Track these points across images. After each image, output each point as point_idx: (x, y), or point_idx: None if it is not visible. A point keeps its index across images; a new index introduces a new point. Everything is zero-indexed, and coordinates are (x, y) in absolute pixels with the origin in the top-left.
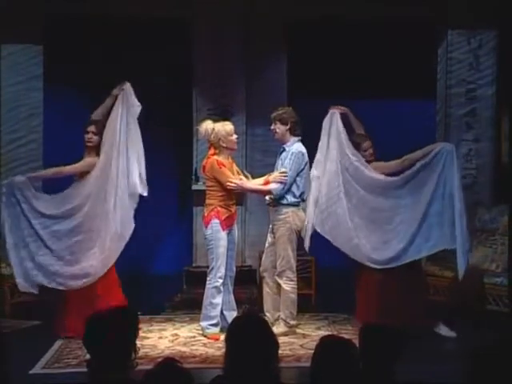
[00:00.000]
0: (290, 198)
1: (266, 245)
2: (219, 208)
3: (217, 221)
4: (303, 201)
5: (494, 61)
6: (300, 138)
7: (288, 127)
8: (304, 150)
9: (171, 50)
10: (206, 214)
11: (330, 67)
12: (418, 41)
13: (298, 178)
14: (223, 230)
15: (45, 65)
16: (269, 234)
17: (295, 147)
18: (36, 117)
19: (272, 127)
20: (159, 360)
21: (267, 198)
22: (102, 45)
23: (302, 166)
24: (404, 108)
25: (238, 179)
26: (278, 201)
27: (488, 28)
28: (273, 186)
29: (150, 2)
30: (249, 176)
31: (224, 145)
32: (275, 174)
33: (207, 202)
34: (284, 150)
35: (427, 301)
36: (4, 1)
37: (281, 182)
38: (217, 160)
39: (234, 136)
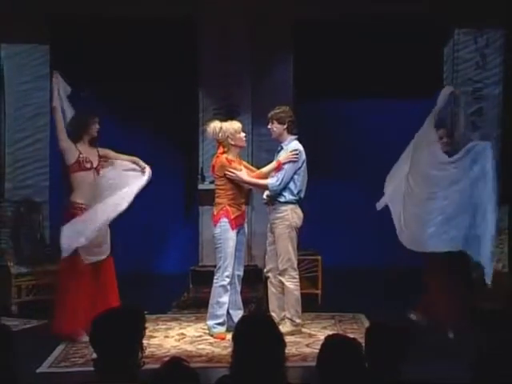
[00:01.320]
0: (288, 196)
1: (267, 244)
2: (228, 207)
3: (226, 220)
4: (301, 199)
5: (500, 60)
6: (297, 136)
7: (285, 126)
8: (301, 147)
9: (178, 50)
10: (215, 213)
11: (336, 67)
12: (424, 40)
13: (295, 176)
14: (232, 229)
15: (51, 64)
16: (268, 234)
17: (292, 145)
18: (43, 116)
19: (269, 126)
20: (166, 359)
21: (264, 196)
22: (108, 45)
23: (300, 164)
24: (410, 107)
25: (239, 170)
26: (275, 199)
27: (495, 27)
28: (269, 181)
29: (156, 2)
30: (254, 170)
31: (232, 142)
32: (287, 154)
33: (216, 200)
34: (282, 148)
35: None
36: (11, 1)
37: (292, 161)
38: (226, 158)
39: (243, 134)
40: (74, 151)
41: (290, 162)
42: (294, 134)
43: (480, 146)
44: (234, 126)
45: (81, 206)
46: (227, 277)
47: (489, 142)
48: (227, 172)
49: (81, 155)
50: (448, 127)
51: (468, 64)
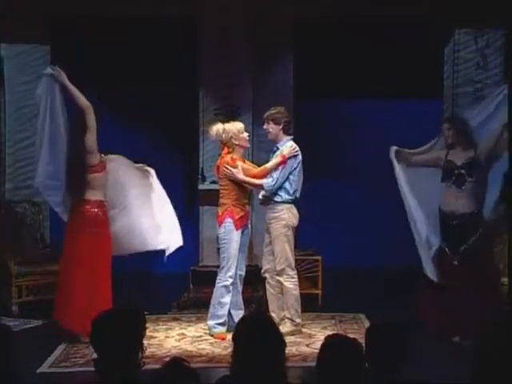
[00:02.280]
0: (284, 196)
1: (264, 245)
2: (233, 207)
3: (230, 220)
4: (297, 198)
5: (501, 60)
6: (292, 137)
7: (281, 127)
8: (297, 148)
9: (178, 50)
10: (219, 214)
11: (336, 67)
12: (424, 40)
13: (290, 176)
14: (237, 229)
15: (52, 65)
16: (265, 235)
17: (289, 145)
18: None
19: (265, 127)
20: (167, 359)
21: (260, 196)
22: (109, 45)
23: (295, 165)
24: (411, 108)
25: (236, 169)
26: (271, 198)
27: (495, 27)
28: (264, 181)
29: (156, 2)
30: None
31: (236, 142)
32: (288, 149)
33: (221, 201)
34: (277, 148)
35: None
36: (11, 1)
37: (294, 156)
38: (231, 157)
39: (246, 133)
40: (97, 152)
41: (293, 156)
42: (290, 135)
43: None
44: (236, 126)
45: (106, 203)
46: (230, 277)
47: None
48: (224, 169)
49: (102, 155)
50: (453, 120)
51: (468, 64)
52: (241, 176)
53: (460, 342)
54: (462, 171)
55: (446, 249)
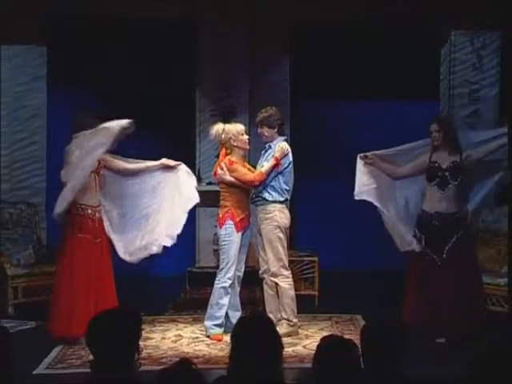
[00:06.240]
0: (274, 194)
1: (259, 246)
2: (234, 209)
3: (231, 222)
4: (287, 200)
5: (497, 61)
6: (285, 137)
7: (276, 130)
8: (289, 147)
9: (175, 51)
10: (220, 216)
11: (333, 68)
12: (421, 41)
13: (280, 176)
14: (237, 231)
15: (48, 66)
16: (258, 236)
17: (280, 146)
18: (40, 118)
19: (259, 131)
20: (163, 360)
21: (250, 195)
22: (105, 45)
23: (286, 165)
24: (407, 109)
25: (222, 170)
26: (261, 197)
27: (491, 29)
28: (252, 178)
29: (153, 3)
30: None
31: (235, 144)
32: (280, 151)
33: (222, 203)
34: (270, 147)
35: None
36: (7, 2)
37: (286, 154)
38: (229, 159)
39: (245, 136)
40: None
41: (285, 155)
42: (283, 135)
43: None
44: (237, 127)
45: (100, 208)
46: (229, 279)
47: None
48: (217, 169)
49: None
50: (443, 122)
51: (464, 65)
52: (228, 177)
53: (445, 342)
54: (446, 174)
55: (429, 250)
